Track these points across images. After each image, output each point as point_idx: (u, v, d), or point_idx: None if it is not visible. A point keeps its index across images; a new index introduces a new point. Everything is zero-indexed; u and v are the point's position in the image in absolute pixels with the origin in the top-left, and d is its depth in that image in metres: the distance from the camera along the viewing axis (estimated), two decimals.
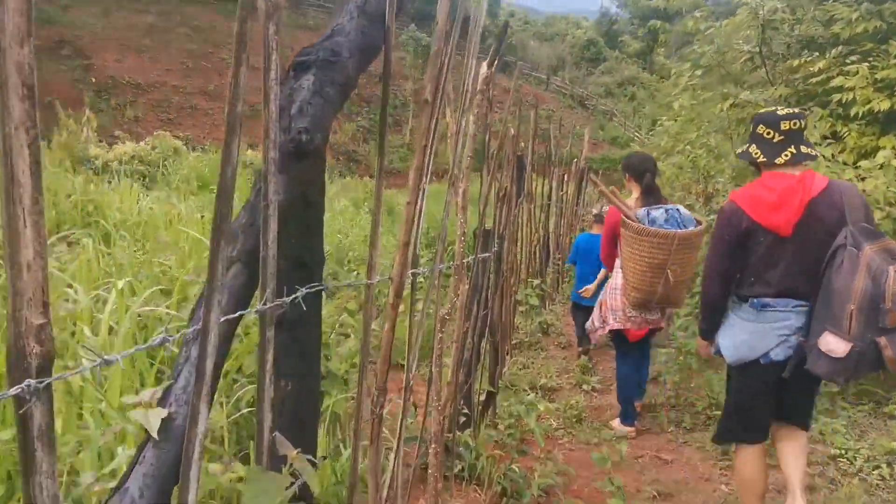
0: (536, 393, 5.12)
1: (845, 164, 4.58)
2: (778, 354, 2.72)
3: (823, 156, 4.55)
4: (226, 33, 40.21)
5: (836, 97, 4.94)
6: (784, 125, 2.72)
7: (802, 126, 2.78)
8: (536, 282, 6.18)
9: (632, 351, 4.36)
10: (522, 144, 6.21)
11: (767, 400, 2.83)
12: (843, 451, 3.80)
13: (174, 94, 38.27)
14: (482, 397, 3.92)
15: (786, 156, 2.70)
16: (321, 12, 44.04)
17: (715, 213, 4.17)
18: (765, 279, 2.73)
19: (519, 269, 6.25)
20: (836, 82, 4.93)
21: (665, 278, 3.50)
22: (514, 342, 6.27)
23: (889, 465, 3.57)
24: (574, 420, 4.60)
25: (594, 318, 4.32)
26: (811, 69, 5.24)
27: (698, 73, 6.48)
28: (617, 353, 4.52)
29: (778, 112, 2.78)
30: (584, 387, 5.23)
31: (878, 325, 2.46)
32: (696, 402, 4.57)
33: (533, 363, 5.82)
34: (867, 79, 4.76)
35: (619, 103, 43.64)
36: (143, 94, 37.30)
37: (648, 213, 3.62)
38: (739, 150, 2.92)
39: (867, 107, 4.73)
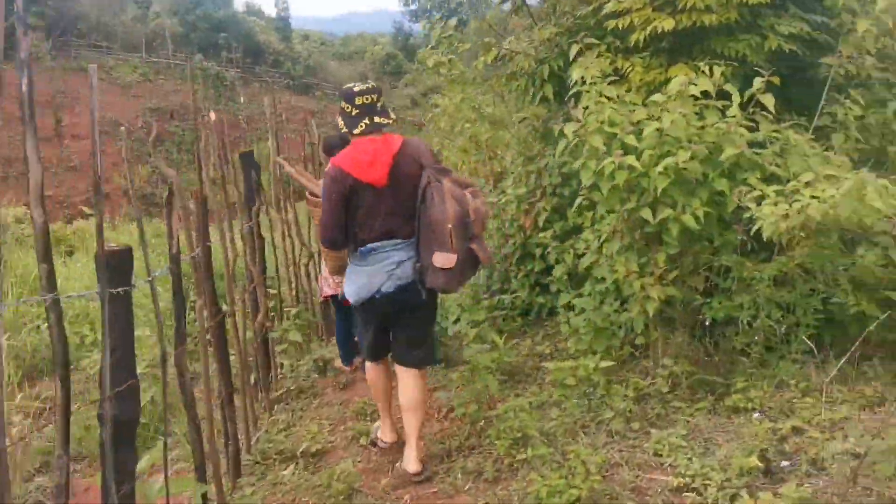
0: (296, 464, 3.69)
1: (633, 104, 3.60)
2: (388, 287, 3.25)
3: (608, 97, 3.56)
4: None
5: (612, 24, 4.00)
6: (358, 100, 3.24)
7: (375, 100, 3.28)
8: (295, 310, 4.76)
9: (347, 313, 4.66)
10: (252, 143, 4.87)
11: (384, 328, 3.44)
12: (688, 478, 2.73)
13: None
14: None
15: (361, 126, 3.25)
16: (92, 52, 39.95)
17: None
18: (369, 227, 3.24)
19: (269, 300, 4.79)
20: (609, 7, 3.99)
21: None
22: (280, 392, 4.80)
23: (751, 493, 2.51)
24: (342, 498, 3.24)
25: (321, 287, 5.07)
26: None
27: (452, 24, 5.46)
28: (336, 315, 4.92)
29: (354, 89, 3.29)
30: (363, 440, 3.88)
31: (469, 236, 3.13)
32: (497, 439, 3.35)
33: (301, 418, 4.39)
34: None
35: (427, 112, 43.45)
36: None
37: None
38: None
39: (649, 29, 3.81)
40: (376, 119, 3.23)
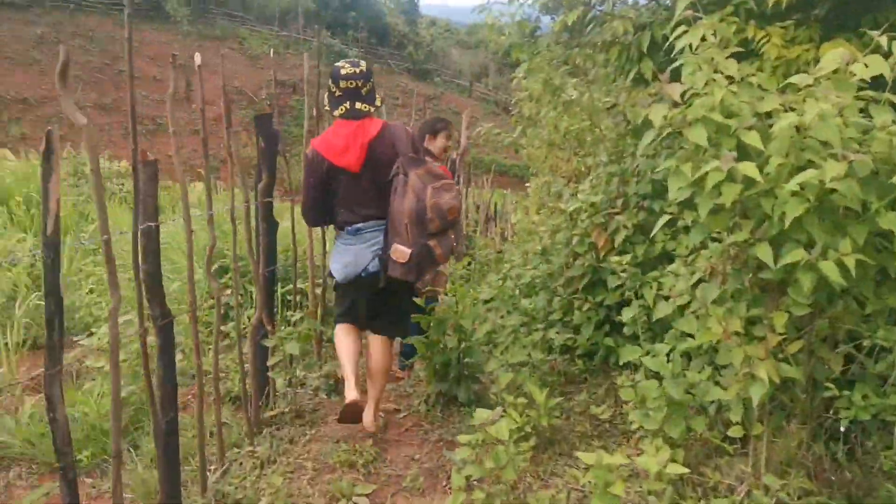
0: None
1: (763, 88, 2.40)
2: (374, 266, 3.36)
3: (725, 75, 2.35)
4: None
5: None
6: (342, 84, 3.29)
7: (359, 85, 3.29)
8: (298, 315, 3.83)
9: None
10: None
11: (362, 302, 3.51)
12: None
13: None
14: None
15: (342, 110, 3.30)
16: (227, 21, 41.17)
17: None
18: (352, 209, 3.37)
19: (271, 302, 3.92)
20: None
21: None
22: (273, 413, 3.92)
23: None
24: None
25: None
26: None
27: None
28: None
29: (341, 71, 3.29)
30: None
31: (427, 232, 3.19)
32: None
33: (284, 453, 3.49)
34: None
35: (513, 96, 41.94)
36: (31, 109, 33.83)
37: None
38: None
39: None
40: (357, 105, 3.28)
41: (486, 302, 4.51)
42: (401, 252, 3.18)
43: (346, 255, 3.38)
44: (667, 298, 2.89)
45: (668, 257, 3.43)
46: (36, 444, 3.61)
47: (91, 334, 4.45)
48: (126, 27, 2.46)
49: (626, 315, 3.25)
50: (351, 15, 43.98)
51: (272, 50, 37.68)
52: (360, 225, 3.34)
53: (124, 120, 33.46)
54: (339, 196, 3.34)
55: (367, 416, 3.48)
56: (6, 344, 4.47)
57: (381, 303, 3.48)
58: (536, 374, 3.50)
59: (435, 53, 45.72)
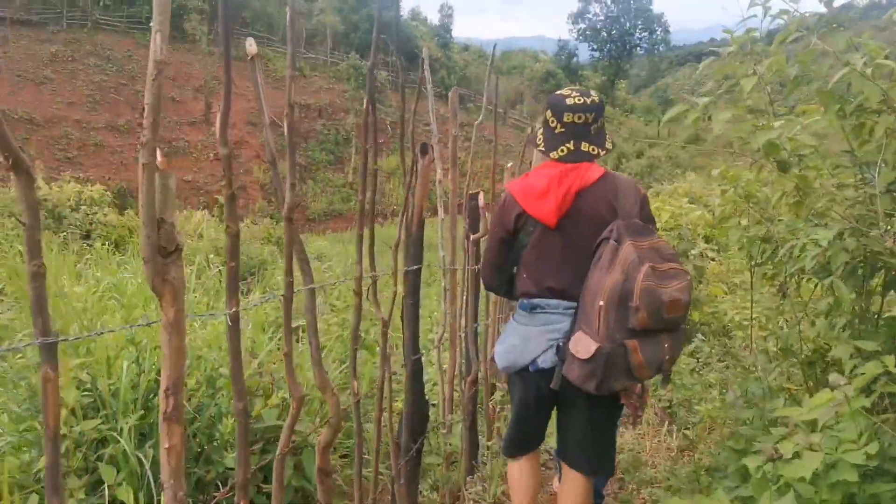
0: None
1: None
2: (545, 361, 2.42)
3: None
4: (143, 64, 35.38)
5: None
6: (567, 117, 2.42)
7: (590, 120, 2.42)
8: None
9: None
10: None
11: (540, 416, 2.59)
12: None
13: (76, 130, 33.27)
14: None
15: (562, 151, 2.44)
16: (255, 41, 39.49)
17: None
18: (535, 276, 2.48)
19: None
20: None
21: None
22: None
23: None
24: None
25: None
26: None
27: None
28: None
29: (566, 100, 2.42)
30: None
31: (627, 326, 2.19)
32: None
33: None
34: None
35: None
36: (38, 129, 32.30)
37: None
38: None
39: None
40: (583, 146, 2.41)
41: None
42: (583, 344, 2.22)
43: (513, 337, 2.52)
44: None
45: None
46: None
47: None
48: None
49: None
50: (381, 38, 42.35)
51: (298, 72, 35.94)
52: (539, 301, 2.45)
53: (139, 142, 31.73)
54: (524, 255, 2.49)
55: None
56: None
57: (571, 419, 2.51)
58: None
59: (468, 78, 43.77)
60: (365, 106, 1.87)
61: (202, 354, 2.80)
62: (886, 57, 2.08)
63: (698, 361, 5.71)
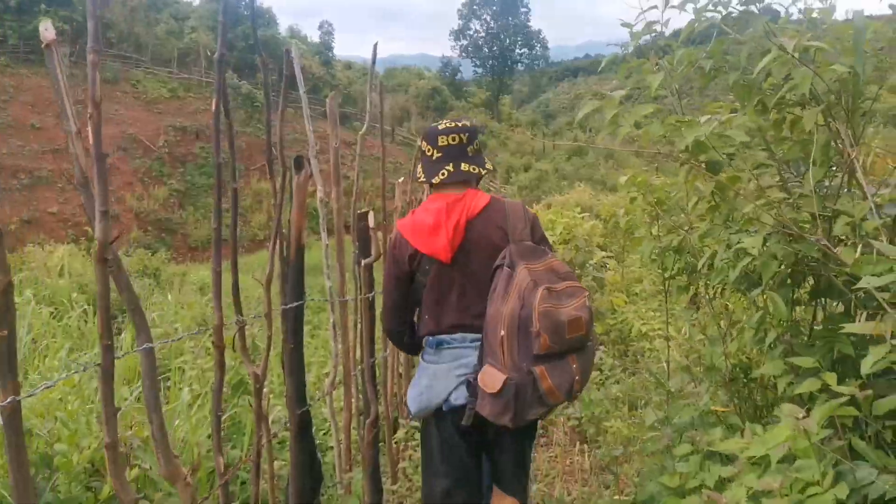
0: None
1: None
2: (458, 398, 2.29)
3: None
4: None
5: None
6: (441, 140, 2.40)
7: (464, 140, 2.41)
8: None
9: None
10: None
11: (462, 458, 2.36)
12: None
13: None
14: None
15: (442, 174, 2.37)
16: (119, 63, 37.31)
17: None
18: (437, 313, 2.38)
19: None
20: None
21: None
22: None
23: None
24: None
25: None
26: None
27: None
28: None
29: (439, 126, 2.45)
30: None
31: (532, 353, 2.09)
32: None
33: None
34: None
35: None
36: None
37: None
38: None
39: None
40: (462, 167, 2.37)
41: None
42: (491, 378, 2.11)
43: (423, 378, 2.38)
44: None
45: None
46: None
47: None
48: None
49: None
50: (258, 56, 41.07)
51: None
52: (444, 337, 2.35)
53: None
54: (423, 294, 2.38)
55: None
56: None
57: (508, 451, 2.39)
58: None
59: (353, 97, 43.24)
60: (214, 106, 1.44)
61: (31, 427, 2.24)
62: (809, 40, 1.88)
63: (601, 373, 5.58)
